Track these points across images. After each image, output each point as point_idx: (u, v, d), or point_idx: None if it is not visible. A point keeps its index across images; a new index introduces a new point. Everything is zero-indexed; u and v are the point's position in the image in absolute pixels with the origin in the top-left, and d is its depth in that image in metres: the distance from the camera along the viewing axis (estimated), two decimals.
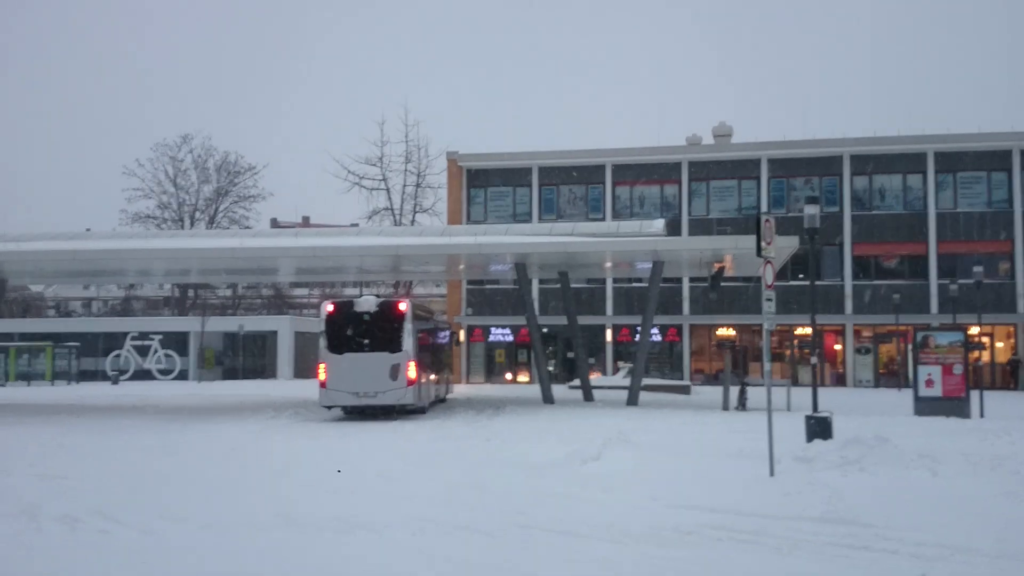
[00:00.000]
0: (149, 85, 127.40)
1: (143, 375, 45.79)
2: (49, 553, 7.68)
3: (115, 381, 42.70)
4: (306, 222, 77.98)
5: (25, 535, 8.34)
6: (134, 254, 26.15)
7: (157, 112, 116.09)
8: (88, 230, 38.42)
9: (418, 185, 46.54)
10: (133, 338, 47.07)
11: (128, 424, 20.18)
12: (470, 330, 40.40)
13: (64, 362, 44.22)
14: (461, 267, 31.24)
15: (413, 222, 46.18)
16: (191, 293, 60.42)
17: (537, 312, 29.34)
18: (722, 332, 39.04)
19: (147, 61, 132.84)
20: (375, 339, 21.47)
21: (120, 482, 11.49)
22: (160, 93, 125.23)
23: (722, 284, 27.35)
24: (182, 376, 46.03)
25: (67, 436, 17.48)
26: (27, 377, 42.64)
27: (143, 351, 46.81)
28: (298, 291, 68.49)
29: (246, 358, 48.38)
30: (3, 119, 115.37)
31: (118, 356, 46.66)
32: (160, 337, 46.95)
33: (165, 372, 46.44)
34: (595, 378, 30.89)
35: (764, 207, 37.75)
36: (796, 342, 37.95)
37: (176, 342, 46.84)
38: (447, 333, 29.40)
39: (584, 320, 33.03)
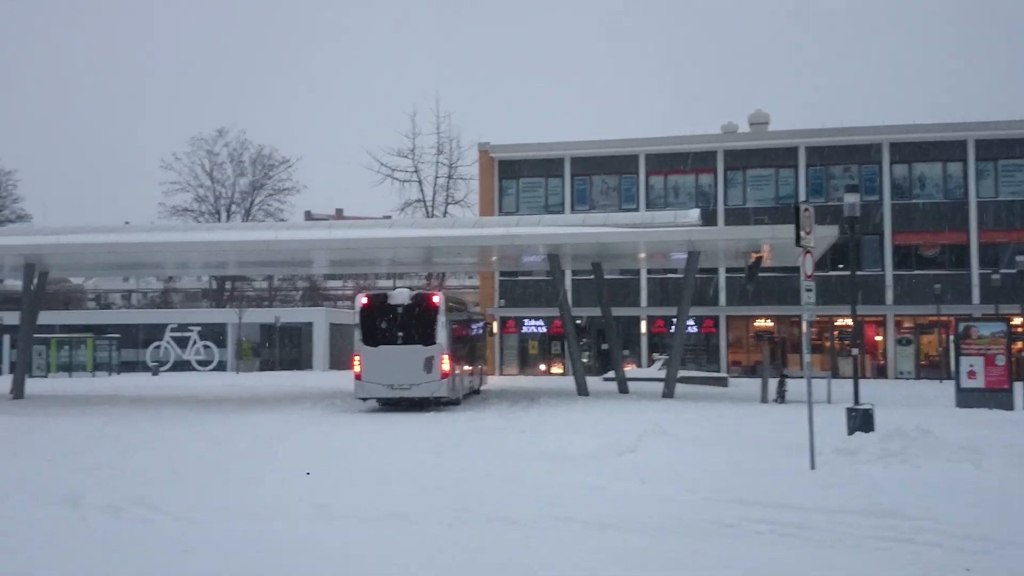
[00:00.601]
0: (185, 80, 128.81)
1: (183, 366, 46.50)
2: (93, 541, 7.78)
3: (155, 372, 43.40)
4: (339, 214, 78.55)
5: (69, 523, 8.46)
6: (172, 247, 26.49)
7: (194, 107, 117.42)
8: (127, 223, 39.01)
9: (450, 177, 46.67)
10: (172, 330, 47.80)
11: (168, 415, 20.48)
12: (503, 321, 40.40)
13: (105, 353, 45.03)
14: (494, 259, 31.21)
15: (445, 214, 46.27)
16: (228, 285, 61.15)
17: (571, 303, 29.23)
18: (760, 323, 38.65)
19: (184, 56, 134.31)
20: (409, 332, 21.55)
21: (161, 472, 11.63)
22: (197, 88, 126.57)
23: (759, 275, 27.04)
24: (220, 367, 46.66)
25: (109, 426, 17.78)
26: (68, 368, 43.44)
27: (182, 342, 47.53)
28: (332, 283, 69.04)
29: (282, 349, 48.89)
30: (43, 114, 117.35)
31: (158, 347, 47.44)
32: (199, 329, 47.64)
33: (204, 363, 47.10)
34: (630, 370, 30.73)
35: (802, 196, 37.29)
36: (836, 333, 37.47)
37: (214, 334, 47.50)
38: (480, 325, 29.41)
39: (618, 311, 32.84)
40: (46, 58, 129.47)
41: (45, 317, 36.02)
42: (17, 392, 26.21)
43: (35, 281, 27.58)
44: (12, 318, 36.44)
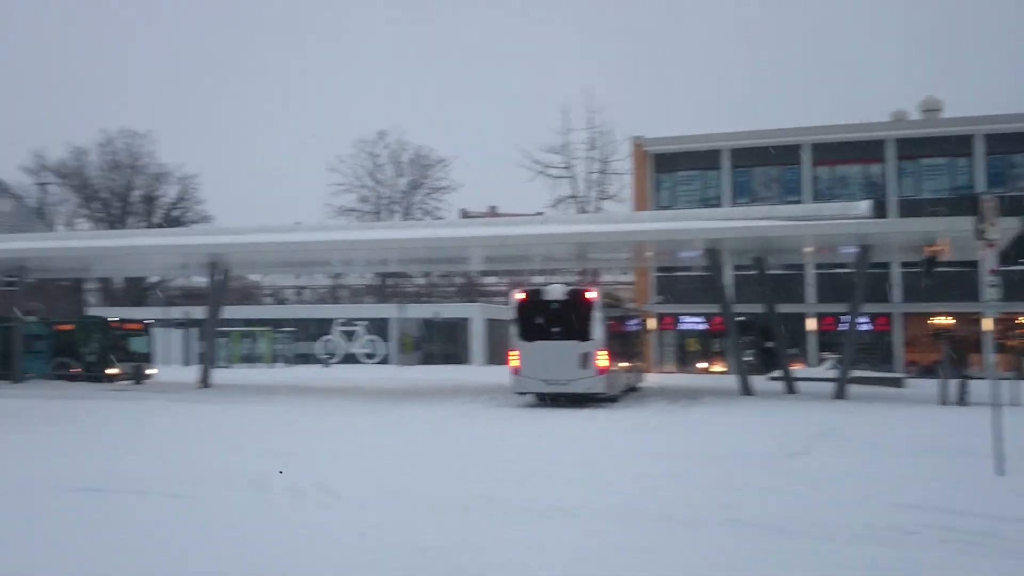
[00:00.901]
0: (347, 83, 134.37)
1: (350, 358, 48.77)
2: (279, 523, 8.25)
3: (326, 364, 45.68)
4: (493, 212, 79.75)
5: (256, 506, 9.00)
6: (339, 245, 27.79)
7: (355, 110, 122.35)
8: (298, 223, 41.24)
9: (603, 172, 46.52)
10: (340, 324, 50.23)
11: (340, 405, 21.52)
12: (660, 318, 39.89)
13: (281, 346, 47.88)
14: (649, 254, 30.86)
15: (598, 209, 46.18)
16: (389, 281, 63.54)
17: (732, 299, 28.49)
18: (938, 321, 36.36)
19: (346, 61, 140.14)
20: (565, 327, 21.63)
21: (338, 458, 12.22)
22: (358, 92, 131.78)
23: (937, 269, 25.45)
24: (384, 360, 48.60)
25: (289, 415, 18.88)
26: (249, 360, 46.46)
27: (350, 336, 49.91)
28: (488, 279, 70.30)
29: (441, 344, 50.34)
30: (220, 120, 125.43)
31: (328, 341, 49.97)
32: (365, 323, 49.86)
33: (370, 356, 49.22)
34: (797, 369, 29.64)
35: (980, 186, 34.84)
36: (1021, 332, 34.75)
37: (378, 328, 49.57)
38: (637, 321, 29.14)
39: (783, 308, 31.77)
40: (223, 69, 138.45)
41: (227, 311, 38.68)
42: (204, 382, 28.23)
43: (218, 278, 29.60)
44: (199, 312, 39.29)
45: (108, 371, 30.42)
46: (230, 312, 42.57)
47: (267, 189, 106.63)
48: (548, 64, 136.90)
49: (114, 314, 40.39)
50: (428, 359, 48.90)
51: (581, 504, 8.91)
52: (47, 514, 8.61)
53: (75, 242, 32.24)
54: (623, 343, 24.95)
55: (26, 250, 29.87)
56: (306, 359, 48.55)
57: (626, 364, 25.08)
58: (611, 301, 24.23)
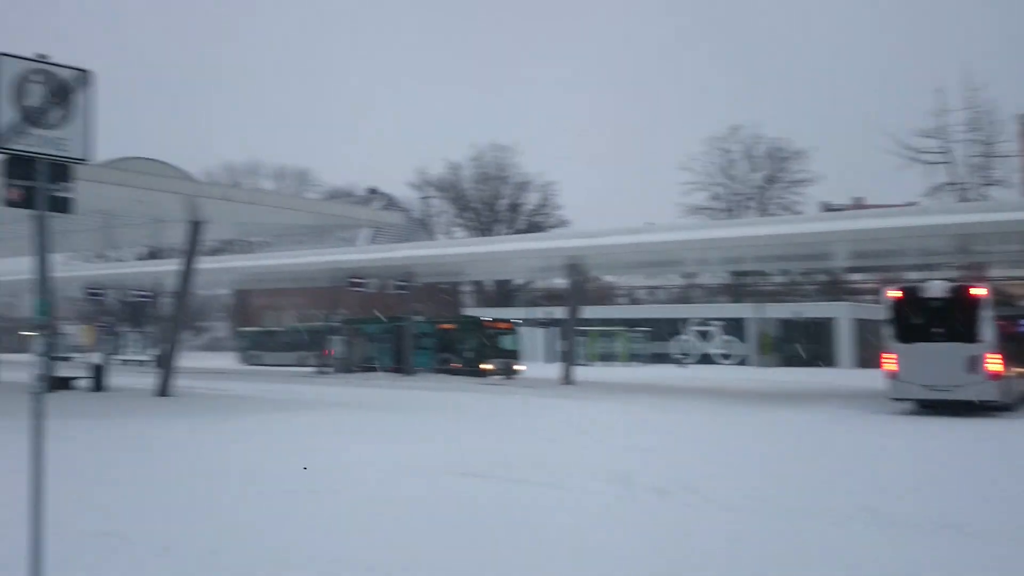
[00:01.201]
0: (707, 82, 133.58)
1: (705, 359, 48.45)
2: (644, 519, 8.33)
3: (681, 364, 45.83)
4: (859, 203, 74.56)
5: (623, 501, 9.17)
6: (691, 244, 27.74)
7: (709, 108, 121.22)
8: (650, 224, 41.80)
9: (987, 155, 41.46)
10: (695, 324, 50.11)
11: (698, 404, 21.46)
12: None
13: (637, 345, 48.93)
14: None
15: (983, 196, 41.24)
16: (745, 280, 62.03)
17: None
18: None
19: (702, 59, 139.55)
20: (948, 328, 19.66)
21: (700, 458, 12.13)
22: (718, 89, 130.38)
23: None
24: (742, 361, 47.57)
25: (649, 413, 19.20)
26: (605, 358, 48.07)
27: (705, 336, 49.60)
28: (855, 276, 65.93)
29: (804, 345, 48.13)
30: (575, 127, 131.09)
31: (683, 340, 50.11)
32: (721, 323, 49.26)
33: (726, 357, 48.49)
34: None
35: None
36: None
37: (734, 328, 48.67)
38: None
39: None
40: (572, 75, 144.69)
41: (585, 311, 40.37)
42: (566, 378, 29.66)
43: (577, 279, 30.94)
44: (559, 313, 41.42)
45: (482, 366, 33.14)
46: (588, 312, 44.40)
47: (618, 191, 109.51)
48: (916, 43, 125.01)
49: (486, 314, 44.00)
50: (790, 361, 46.98)
51: (973, 522, 7.97)
52: (441, 497, 9.44)
53: (452, 249, 35.72)
54: (1018, 346, 22.02)
55: (413, 257, 33.66)
56: (661, 358, 49.07)
57: (1023, 369, 22.09)
58: (1003, 298, 21.53)
